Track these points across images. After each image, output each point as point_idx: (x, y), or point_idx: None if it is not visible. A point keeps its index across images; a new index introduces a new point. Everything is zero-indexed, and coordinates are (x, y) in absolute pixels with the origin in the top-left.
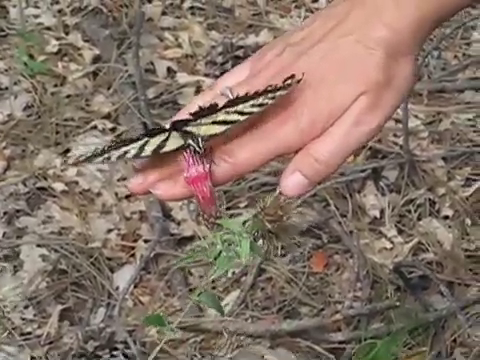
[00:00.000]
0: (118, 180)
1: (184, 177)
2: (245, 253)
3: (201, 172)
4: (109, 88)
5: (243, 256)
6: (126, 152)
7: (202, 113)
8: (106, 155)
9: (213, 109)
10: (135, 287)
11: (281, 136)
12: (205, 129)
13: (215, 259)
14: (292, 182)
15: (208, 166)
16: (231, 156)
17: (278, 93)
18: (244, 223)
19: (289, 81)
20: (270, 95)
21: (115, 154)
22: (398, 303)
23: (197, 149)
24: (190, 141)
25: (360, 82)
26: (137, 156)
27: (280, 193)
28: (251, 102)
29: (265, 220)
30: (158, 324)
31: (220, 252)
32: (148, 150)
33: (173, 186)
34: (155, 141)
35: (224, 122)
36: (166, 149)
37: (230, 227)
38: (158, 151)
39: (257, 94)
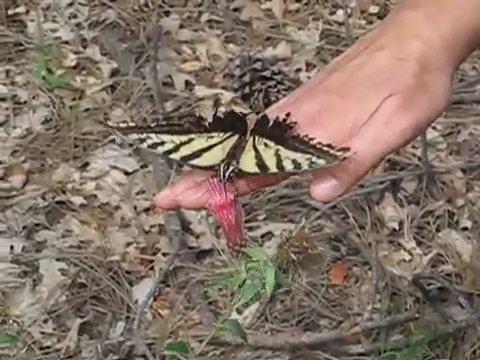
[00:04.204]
0: (137, 193)
1: (209, 204)
2: (270, 284)
3: (227, 200)
4: (127, 102)
5: (268, 286)
6: (157, 144)
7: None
8: (143, 136)
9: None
10: (154, 300)
11: None
12: (244, 164)
13: (240, 287)
14: (325, 186)
15: (235, 194)
16: None
17: (319, 161)
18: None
19: (338, 152)
20: (312, 158)
21: (149, 141)
22: (417, 315)
23: (221, 177)
24: (221, 167)
25: (389, 86)
26: (166, 154)
27: (304, 223)
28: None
29: (290, 251)
30: (181, 350)
31: (244, 280)
32: (181, 153)
33: (195, 192)
34: (197, 143)
35: (262, 164)
36: (196, 162)
37: (255, 256)
38: (187, 160)
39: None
